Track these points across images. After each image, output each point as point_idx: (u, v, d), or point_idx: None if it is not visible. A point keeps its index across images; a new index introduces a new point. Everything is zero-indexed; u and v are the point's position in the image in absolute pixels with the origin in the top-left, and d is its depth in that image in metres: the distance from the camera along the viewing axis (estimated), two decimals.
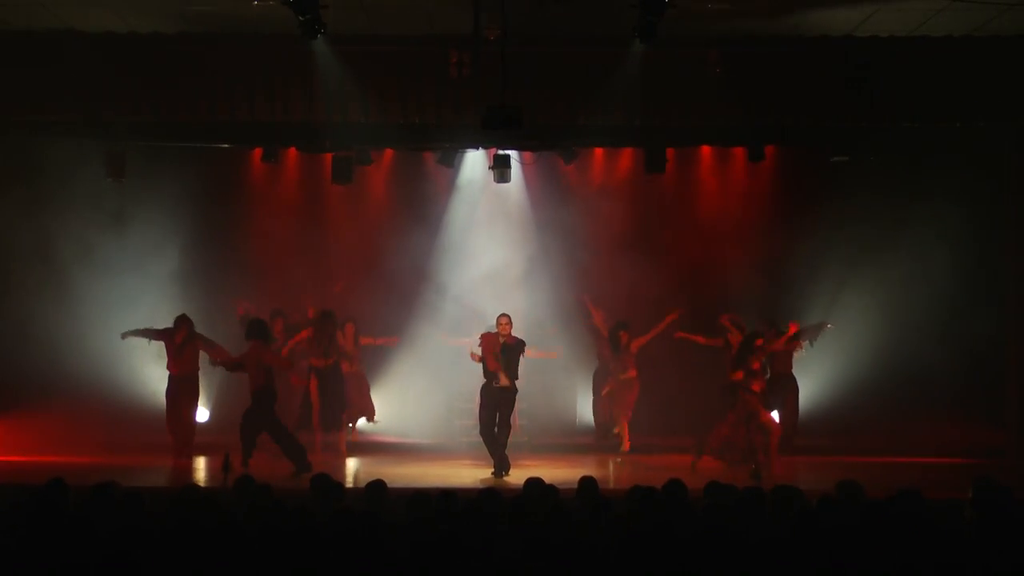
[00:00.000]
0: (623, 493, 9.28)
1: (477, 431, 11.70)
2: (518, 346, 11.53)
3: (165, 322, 12.70)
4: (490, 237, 14.39)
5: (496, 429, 11.44)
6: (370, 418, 13.25)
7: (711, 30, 11.68)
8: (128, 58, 11.74)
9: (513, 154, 13.11)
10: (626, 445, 12.76)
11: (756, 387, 11.48)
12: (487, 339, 11.53)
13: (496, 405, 11.47)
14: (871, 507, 7.10)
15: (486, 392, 11.56)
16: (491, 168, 13.09)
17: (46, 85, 11.67)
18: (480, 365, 11.49)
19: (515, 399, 11.60)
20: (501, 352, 11.43)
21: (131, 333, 12.59)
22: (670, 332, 12.86)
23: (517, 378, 11.56)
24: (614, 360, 13.04)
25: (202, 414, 13.45)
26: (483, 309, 12.82)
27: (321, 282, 14.17)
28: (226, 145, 13.31)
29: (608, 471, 11.94)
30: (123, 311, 13.29)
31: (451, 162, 13.76)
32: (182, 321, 12.59)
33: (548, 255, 14.36)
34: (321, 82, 11.88)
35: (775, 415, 12.09)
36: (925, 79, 11.81)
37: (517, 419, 12.83)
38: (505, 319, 11.57)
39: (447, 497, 8.53)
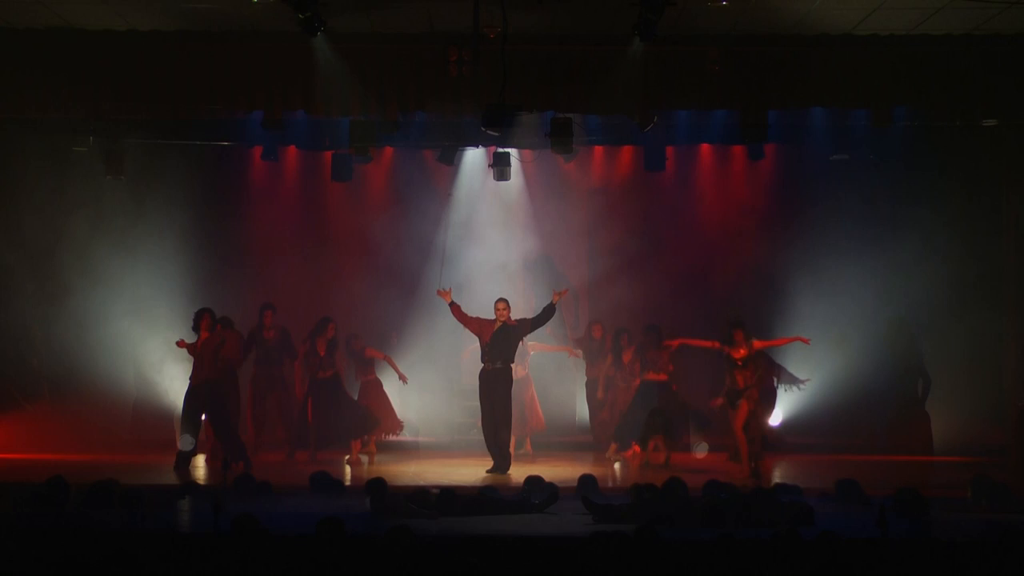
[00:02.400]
0: (623, 491, 9.39)
1: (477, 429, 11.78)
2: (518, 327, 11.63)
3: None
4: (489, 235, 14.41)
5: (496, 418, 11.49)
6: (396, 432, 12.81)
7: (711, 28, 11.69)
8: (128, 56, 11.73)
9: (513, 152, 13.19)
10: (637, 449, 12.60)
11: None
12: (481, 323, 11.72)
13: (491, 391, 11.55)
14: (869, 504, 7.14)
15: (482, 379, 11.68)
16: (491, 166, 13.14)
17: (45, 83, 11.64)
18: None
19: (510, 380, 11.64)
20: (496, 334, 11.56)
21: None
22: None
23: (512, 361, 11.68)
24: (618, 368, 12.97)
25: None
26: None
27: (320, 279, 14.29)
28: (226, 143, 13.33)
29: (608, 469, 11.98)
30: (120, 309, 13.34)
31: (451, 160, 13.80)
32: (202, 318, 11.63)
33: (548, 253, 14.44)
34: (321, 80, 11.86)
35: None
36: (924, 78, 11.82)
37: (539, 412, 12.99)
38: (502, 304, 11.69)
39: (446, 495, 8.58)
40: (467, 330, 12.04)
